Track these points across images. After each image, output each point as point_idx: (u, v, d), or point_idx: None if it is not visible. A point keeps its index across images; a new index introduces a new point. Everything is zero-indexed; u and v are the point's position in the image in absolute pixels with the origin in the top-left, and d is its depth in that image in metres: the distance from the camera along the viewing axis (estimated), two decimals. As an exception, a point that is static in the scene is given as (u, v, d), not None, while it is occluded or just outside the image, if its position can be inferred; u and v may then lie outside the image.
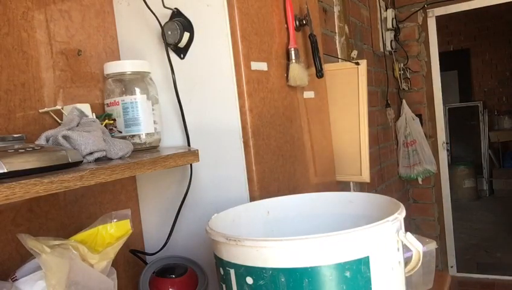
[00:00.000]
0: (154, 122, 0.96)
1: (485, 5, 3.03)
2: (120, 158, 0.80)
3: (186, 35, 0.98)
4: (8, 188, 0.53)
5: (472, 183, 5.54)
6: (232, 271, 0.65)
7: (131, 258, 1.07)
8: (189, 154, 0.88)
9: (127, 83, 0.94)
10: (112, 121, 0.92)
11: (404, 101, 3.15)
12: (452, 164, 5.21)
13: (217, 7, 0.95)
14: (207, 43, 0.98)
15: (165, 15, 0.99)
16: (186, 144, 0.99)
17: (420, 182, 3.23)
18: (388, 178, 2.83)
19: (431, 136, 3.31)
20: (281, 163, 1.07)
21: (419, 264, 0.66)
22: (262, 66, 1.02)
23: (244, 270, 0.63)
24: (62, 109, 0.89)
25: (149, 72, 0.98)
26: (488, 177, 5.73)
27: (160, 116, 1.00)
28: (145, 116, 0.94)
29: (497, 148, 5.85)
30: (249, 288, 0.63)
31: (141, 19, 1.04)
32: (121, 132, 0.93)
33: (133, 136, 0.93)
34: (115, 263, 0.76)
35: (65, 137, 0.72)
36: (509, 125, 5.80)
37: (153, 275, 0.95)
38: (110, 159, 0.79)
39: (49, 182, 0.59)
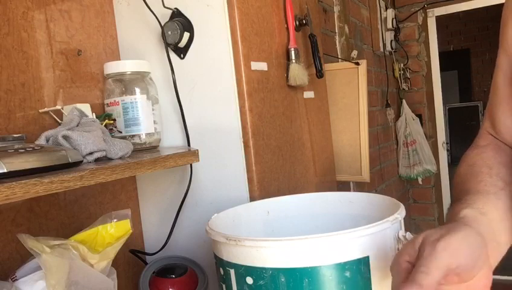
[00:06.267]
0: (154, 122, 0.96)
1: (485, 5, 3.03)
2: (120, 158, 0.80)
3: (186, 35, 0.98)
4: (8, 188, 0.53)
5: (472, 184, 5.52)
6: (232, 271, 0.65)
7: (131, 258, 1.07)
8: (189, 154, 0.88)
9: (127, 83, 0.94)
10: (112, 121, 0.92)
11: (404, 101, 3.15)
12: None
13: (217, 7, 0.95)
14: (207, 43, 0.98)
15: (165, 15, 0.99)
16: (186, 144, 0.99)
17: (420, 182, 3.23)
18: (388, 178, 2.82)
19: (431, 136, 3.31)
20: (281, 163, 1.07)
21: (419, 264, 0.66)
22: (262, 66, 1.02)
23: (244, 270, 0.63)
24: (62, 109, 0.89)
25: (149, 72, 0.98)
26: (488, 177, 5.72)
27: (160, 116, 1.00)
28: (145, 116, 0.94)
29: (497, 148, 5.84)
30: (249, 288, 0.63)
31: (141, 19, 1.04)
32: (121, 132, 0.93)
33: (133, 136, 0.93)
34: (115, 263, 0.76)
35: (65, 137, 0.72)
36: (509, 125, 5.79)
37: (153, 275, 0.95)
38: (110, 159, 0.79)
39: (49, 182, 0.59)
